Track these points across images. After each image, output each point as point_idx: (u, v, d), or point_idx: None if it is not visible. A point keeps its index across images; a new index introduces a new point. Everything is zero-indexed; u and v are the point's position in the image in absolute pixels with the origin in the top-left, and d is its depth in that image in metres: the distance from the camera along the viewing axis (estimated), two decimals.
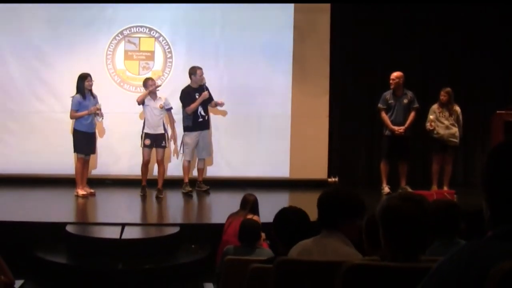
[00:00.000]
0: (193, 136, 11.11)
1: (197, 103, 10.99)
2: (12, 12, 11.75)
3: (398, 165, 11.49)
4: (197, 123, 11.10)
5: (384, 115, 11.25)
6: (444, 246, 4.49)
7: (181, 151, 11.26)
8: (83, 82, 10.53)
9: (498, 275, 1.79)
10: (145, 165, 10.93)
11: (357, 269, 2.98)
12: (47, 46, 11.85)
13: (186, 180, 11.15)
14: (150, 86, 10.81)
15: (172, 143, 11.35)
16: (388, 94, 11.25)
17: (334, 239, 3.96)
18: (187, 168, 11.23)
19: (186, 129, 11.16)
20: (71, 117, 10.60)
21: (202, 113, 11.10)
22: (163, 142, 10.92)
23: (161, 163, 10.99)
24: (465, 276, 1.91)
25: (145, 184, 10.89)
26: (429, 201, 3.21)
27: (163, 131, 10.92)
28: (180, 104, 11.26)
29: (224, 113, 11.97)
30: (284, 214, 4.80)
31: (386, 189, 11.43)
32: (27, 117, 11.83)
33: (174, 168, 11.79)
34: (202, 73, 11.06)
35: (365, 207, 4.18)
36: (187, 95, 11.04)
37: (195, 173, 11.57)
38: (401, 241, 3.06)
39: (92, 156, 11.00)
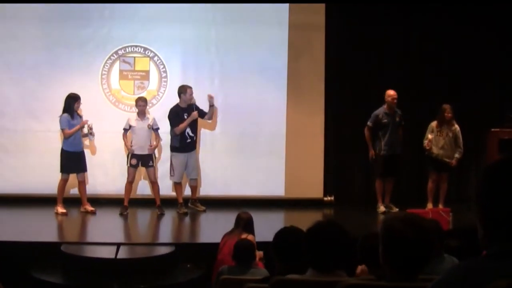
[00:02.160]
0: (180, 157, 11.10)
1: (186, 124, 10.97)
2: (7, 31, 11.76)
3: (385, 183, 11.52)
4: (185, 144, 11.08)
5: (369, 134, 11.31)
6: (432, 261, 4.50)
7: (171, 173, 11.22)
8: (74, 103, 10.59)
9: None
10: (129, 183, 11.00)
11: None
12: (43, 65, 11.83)
13: (180, 200, 11.15)
14: (139, 106, 10.87)
15: (158, 164, 11.41)
16: (380, 114, 11.28)
17: None
18: (179, 189, 11.25)
19: (173, 149, 11.15)
20: (66, 136, 10.62)
21: (190, 133, 11.07)
22: (150, 162, 10.96)
23: (155, 182, 11.04)
24: None
25: (126, 205, 10.92)
26: (427, 222, 3.23)
27: (150, 152, 10.95)
28: None
29: (219, 132, 11.98)
30: (283, 234, 4.78)
31: (381, 208, 11.44)
32: (22, 136, 11.80)
33: (167, 188, 11.75)
34: (192, 92, 11.05)
35: None
36: (175, 115, 11.02)
37: (188, 192, 11.56)
38: (402, 262, 3.07)
39: (86, 175, 11.06)
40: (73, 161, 10.72)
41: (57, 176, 11.36)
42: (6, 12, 11.74)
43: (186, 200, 11.33)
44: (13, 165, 11.75)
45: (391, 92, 11.25)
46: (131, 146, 10.89)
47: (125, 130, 10.97)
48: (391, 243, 3.08)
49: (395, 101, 11.24)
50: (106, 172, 11.71)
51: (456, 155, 11.16)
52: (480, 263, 1.99)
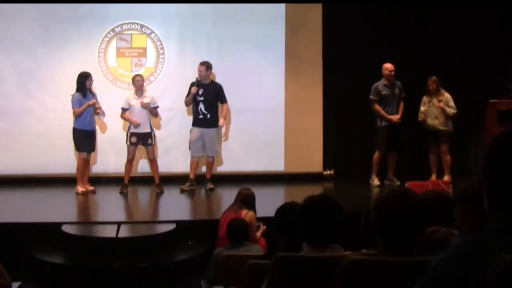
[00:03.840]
0: (194, 131, 11.09)
1: (188, 98, 11.06)
2: (2, 10, 11.67)
3: (388, 156, 11.52)
4: (197, 119, 11.08)
5: (377, 106, 11.28)
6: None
7: (189, 147, 11.20)
8: (85, 81, 10.58)
9: (499, 268, 1.77)
10: (129, 162, 11.00)
11: (356, 264, 2.98)
12: (39, 44, 11.78)
13: (191, 176, 11.14)
14: (137, 82, 10.86)
15: (158, 141, 11.40)
16: (380, 85, 11.29)
17: None
18: (192, 164, 11.20)
19: (192, 123, 11.19)
20: (75, 115, 10.61)
21: (203, 110, 11.02)
22: (149, 140, 10.94)
23: (153, 160, 11.04)
24: (466, 270, 1.89)
25: (126, 183, 10.94)
26: (418, 195, 3.24)
27: (149, 130, 10.95)
28: (174, 100, 11.45)
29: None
30: (285, 210, 4.74)
31: (375, 181, 11.48)
32: (20, 116, 11.76)
33: (169, 165, 11.76)
34: (200, 68, 11.01)
35: None
36: (189, 88, 11.08)
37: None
38: (395, 236, 3.07)
39: (93, 154, 11.20)
40: (84, 139, 10.72)
41: (55, 155, 11.43)
42: None
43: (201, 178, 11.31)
44: (10, 146, 11.71)
45: (387, 65, 11.27)
46: (129, 124, 10.87)
47: (124, 109, 10.93)
48: (382, 217, 3.07)
49: (392, 73, 11.26)
50: (105, 151, 11.66)
51: (451, 111, 11.14)
52: (486, 237, 1.96)
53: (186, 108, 11.52)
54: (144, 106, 10.79)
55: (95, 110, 10.71)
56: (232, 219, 6.78)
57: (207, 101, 11.04)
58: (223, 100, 11.23)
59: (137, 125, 10.81)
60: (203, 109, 11.04)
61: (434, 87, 11.18)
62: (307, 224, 3.83)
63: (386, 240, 3.10)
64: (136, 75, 11.04)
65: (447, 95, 11.20)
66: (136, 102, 10.86)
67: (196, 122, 11.10)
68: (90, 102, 10.62)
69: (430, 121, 11.24)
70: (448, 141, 11.38)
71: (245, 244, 6.30)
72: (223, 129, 11.68)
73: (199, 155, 11.24)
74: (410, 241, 3.10)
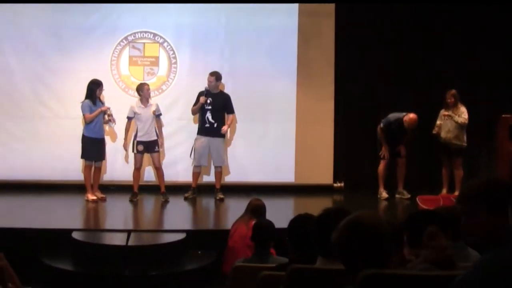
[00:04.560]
0: (200, 140, 11.09)
1: (195, 107, 11.07)
2: (16, 18, 11.73)
3: (397, 169, 11.50)
4: (203, 127, 11.09)
5: (383, 135, 11.30)
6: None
7: (190, 156, 11.22)
8: (96, 89, 10.64)
9: None
10: (137, 170, 11.01)
11: (374, 278, 2.96)
12: (52, 52, 11.82)
13: (193, 185, 11.18)
14: (146, 91, 10.89)
15: (167, 150, 11.49)
16: (394, 124, 11.19)
17: None
18: (195, 174, 11.24)
19: (197, 131, 11.20)
20: (87, 121, 10.61)
21: (210, 119, 11.03)
22: (156, 148, 10.95)
23: (159, 168, 11.05)
24: (492, 287, 1.88)
25: (136, 191, 10.95)
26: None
27: (155, 137, 10.95)
28: (185, 110, 11.45)
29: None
30: (298, 222, 4.73)
31: (383, 194, 11.48)
32: (32, 123, 11.80)
33: (179, 174, 11.78)
34: (210, 79, 11.02)
35: None
36: (197, 97, 11.08)
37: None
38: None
39: (104, 163, 11.22)
40: (93, 147, 10.74)
41: (66, 162, 11.45)
42: None
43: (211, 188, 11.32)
44: (22, 152, 11.74)
45: (413, 119, 11.05)
46: (135, 134, 10.91)
47: (129, 118, 10.95)
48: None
49: (411, 127, 11.19)
50: (115, 159, 11.66)
51: (459, 119, 11.10)
52: (509, 256, 1.95)
53: (192, 117, 11.53)
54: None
55: (106, 118, 10.70)
56: (258, 220, 6.66)
57: (215, 110, 11.05)
58: (230, 110, 11.24)
59: (126, 146, 11.01)
60: (210, 118, 11.04)
61: (452, 100, 11.10)
62: (322, 236, 3.82)
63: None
64: (144, 84, 11.03)
65: (463, 109, 11.12)
66: (142, 111, 10.86)
67: (202, 131, 11.11)
68: (104, 108, 10.64)
69: (443, 134, 11.19)
70: (460, 155, 11.33)
71: (271, 257, 6.05)
72: (228, 135, 11.60)
73: (202, 165, 11.28)
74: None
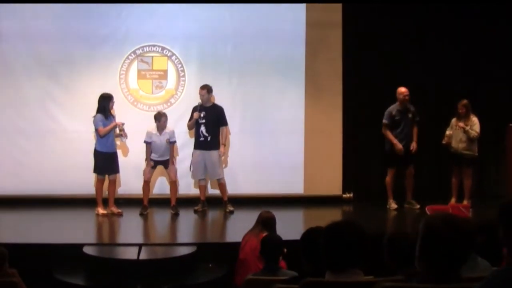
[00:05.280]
0: (196, 154, 11.22)
1: (190, 122, 11.21)
2: (25, 31, 11.81)
3: (405, 179, 11.53)
4: (198, 141, 11.19)
5: (387, 131, 11.32)
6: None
7: (190, 169, 11.32)
8: (108, 103, 10.70)
9: None
10: (146, 183, 11.10)
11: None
12: (60, 66, 11.87)
13: (202, 198, 11.27)
14: (163, 123, 10.99)
15: (177, 163, 11.49)
16: (394, 110, 11.33)
17: None
18: (200, 187, 11.38)
19: (194, 146, 11.30)
20: (101, 135, 10.65)
21: (204, 133, 11.12)
22: (170, 164, 11.12)
23: (175, 181, 11.18)
24: None
25: (146, 204, 11.04)
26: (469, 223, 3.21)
27: (168, 157, 11.11)
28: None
29: (237, 130, 11.96)
30: (311, 234, 4.75)
31: (393, 204, 11.50)
32: (41, 136, 11.86)
33: (188, 187, 11.84)
34: (201, 93, 11.16)
35: None
36: (191, 112, 11.22)
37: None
38: (439, 261, 3.06)
39: (118, 176, 11.26)
40: (106, 162, 10.80)
41: (76, 176, 11.49)
42: (25, 12, 11.77)
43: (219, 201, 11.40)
44: (33, 167, 11.80)
45: (402, 89, 11.28)
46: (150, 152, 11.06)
47: (147, 142, 11.06)
48: (430, 241, 3.07)
49: (407, 97, 11.26)
50: (124, 172, 11.65)
51: (473, 133, 11.08)
52: None
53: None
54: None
55: (117, 131, 10.74)
56: (266, 235, 6.70)
57: (208, 124, 11.14)
58: (224, 122, 11.29)
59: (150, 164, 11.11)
60: (204, 131, 11.12)
61: (463, 111, 11.09)
62: (329, 249, 3.84)
63: (430, 266, 3.10)
64: (163, 115, 11.06)
65: (474, 119, 11.12)
66: (157, 138, 10.99)
67: (198, 145, 11.20)
68: (119, 123, 10.69)
69: (454, 144, 11.19)
70: (471, 165, 11.31)
71: (280, 270, 6.06)
72: (223, 149, 11.49)
73: (201, 178, 11.34)
74: (455, 268, 3.09)
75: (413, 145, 11.33)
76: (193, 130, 11.33)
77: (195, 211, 11.12)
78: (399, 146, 11.26)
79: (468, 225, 3.12)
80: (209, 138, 11.14)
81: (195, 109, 11.16)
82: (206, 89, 11.14)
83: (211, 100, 11.33)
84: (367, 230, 3.91)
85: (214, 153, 11.22)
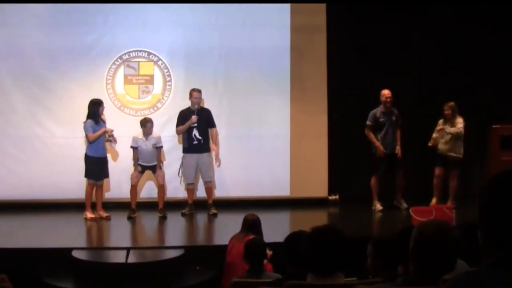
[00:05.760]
0: (188, 158, 11.27)
1: (184, 127, 11.18)
2: (10, 38, 11.86)
3: (395, 179, 11.64)
4: (192, 145, 11.23)
5: (370, 133, 11.46)
6: None
7: (179, 174, 11.37)
8: (98, 108, 10.75)
9: None
10: (134, 187, 11.15)
11: None
12: (47, 72, 11.92)
13: (189, 201, 11.33)
14: (149, 129, 11.02)
15: (165, 167, 11.53)
16: (378, 112, 11.45)
17: None
18: (189, 190, 11.41)
19: (183, 150, 11.35)
20: (91, 140, 10.71)
21: (198, 136, 11.19)
22: (157, 168, 11.19)
23: (162, 185, 11.25)
24: None
25: (134, 208, 11.10)
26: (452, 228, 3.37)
27: (155, 163, 11.18)
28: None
29: (224, 135, 12.05)
30: (294, 238, 4.84)
31: (378, 206, 11.58)
32: (28, 142, 11.89)
33: (175, 190, 11.89)
34: (197, 96, 11.22)
35: None
36: (180, 116, 11.25)
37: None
38: (429, 264, 3.21)
39: (107, 180, 11.38)
40: (97, 166, 10.86)
41: (64, 181, 11.54)
42: (11, 19, 11.84)
43: (203, 204, 11.46)
44: (20, 172, 11.84)
45: (385, 92, 11.42)
46: (137, 157, 11.13)
47: (133, 148, 11.13)
48: (422, 246, 3.21)
49: (389, 99, 11.40)
50: (112, 176, 11.69)
51: (451, 129, 11.20)
52: (485, 272, 2.03)
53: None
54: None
55: (107, 137, 10.82)
56: (249, 239, 6.78)
57: (201, 126, 11.22)
58: (213, 124, 11.40)
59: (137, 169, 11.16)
60: (197, 135, 11.20)
61: (449, 112, 11.17)
62: (312, 254, 3.96)
63: (419, 266, 3.24)
64: (148, 121, 11.10)
65: (460, 120, 11.20)
66: (143, 143, 11.05)
67: (191, 149, 11.24)
68: (108, 129, 10.76)
69: (441, 146, 11.28)
70: (457, 167, 11.39)
71: (264, 272, 6.11)
72: (214, 152, 11.65)
73: (193, 182, 11.41)
74: (443, 272, 3.23)
75: (398, 149, 11.47)
76: (181, 135, 11.39)
77: (183, 214, 11.19)
78: (381, 149, 11.40)
79: (456, 233, 3.27)
80: (202, 141, 11.23)
81: (185, 113, 11.21)
82: (200, 92, 11.24)
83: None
84: (352, 232, 4.03)
85: (207, 156, 11.35)
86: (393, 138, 11.52)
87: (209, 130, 11.37)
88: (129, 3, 12.03)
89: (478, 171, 12.56)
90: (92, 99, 10.90)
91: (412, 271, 3.29)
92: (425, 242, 3.21)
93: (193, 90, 11.26)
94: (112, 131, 10.79)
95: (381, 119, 11.42)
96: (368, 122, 11.47)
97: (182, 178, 11.40)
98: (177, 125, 11.27)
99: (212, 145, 11.34)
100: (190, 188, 11.42)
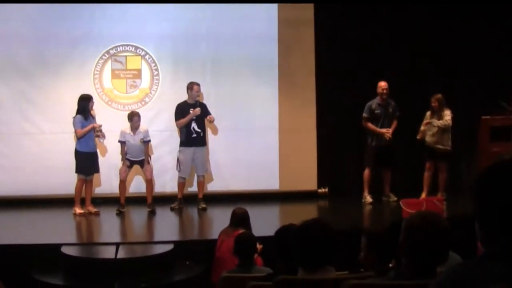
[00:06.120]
0: (186, 152, 11.19)
1: (187, 119, 11.07)
2: None
3: (383, 173, 11.65)
4: (190, 138, 11.17)
5: (369, 124, 11.41)
6: None
7: (177, 169, 11.31)
8: (87, 104, 10.69)
9: None
10: (122, 182, 11.13)
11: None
12: (35, 67, 11.87)
13: (179, 196, 11.28)
14: (136, 122, 10.95)
15: (152, 161, 11.46)
16: (373, 104, 11.44)
17: None
18: (180, 184, 11.34)
19: (180, 144, 11.28)
20: (79, 136, 10.66)
21: (196, 129, 11.15)
22: (145, 163, 11.14)
23: (150, 180, 11.20)
24: None
25: (123, 203, 11.06)
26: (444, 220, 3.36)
27: (143, 157, 11.13)
28: (169, 121, 11.50)
29: (212, 128, 12.04)
30: (284, 232, 4.83)
31: (368, 198, 11.57)
32: (16, 138, 11.84)
33: (164, 185, 11.89)
34: (198, 89, 11.17)
35: None
36: (179, 110, 11.15)
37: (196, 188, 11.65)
38: (420, 257, 3.20)
39: (98, 175, 11.41)
40: (87, 161, 10.82)
41: (53, 177, 11.50)
42: None
43: (193, 198, 11.42)
44: (8, 168, 11.79)
45: (381, 83, 11.41)
46: (125, 152, 11.06)
47: (121, 142, 11.07)
48: (411, 238, 3.20)
49: (385, 91, 11.38)
50: (101, 171, 11.61)
51: (438, 122, 11.20)
52: (477, 265, 2.01)
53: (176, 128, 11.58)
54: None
55: (96, 132, 10.77)
56: (239, 233, 6.76)
57: (199, 119, 11.19)
58: (209, 112, 11.30)
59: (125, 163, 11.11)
60: (196, 127, 11.16)
61: (436, 104, 11.15)
62: (301, 249, 3.95)
63: (411, 262, 3.23)
64: (135, 114, 11.03)
65: (447, 112, 11.19)
66: (131, 138, 10.99)
67: (189, 142, 11.18)
68: (96, 125, 10.69)
69: (428, 138, 11.27)
70: (445, 159, 11.38)
71: (254, 266, 6.10)
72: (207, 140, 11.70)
73: (188, 177, 11.41)
74: (435, 264, 3.22)
75: (389, 131, 11.41)
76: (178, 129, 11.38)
77: (172, 209, 11.16)
78: (383, 130, 11.39)
79: (445, 223, 3.26)
80: (201, 134, 11.23)
81: (183, 106, 11.14)
82: (199, 85, 11.22)
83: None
84: (343, 225, 4.03)
85: (204, 149, 11.37)
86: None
87: (207, 118, 11.28)
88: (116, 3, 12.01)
89: (468, 163, 12.57)
90: (81, 94, 10.84)
91: (404, 264, 3.28)
92: (414, 233, 3.20)
93: (193, 83, 11.20)
94: (100, 126, 10.74)
95: (376, 111, 11.41)
96: (364, 114, 11.47)
97: (180, 172, 11.31)
98: (177, 119, 11.19)
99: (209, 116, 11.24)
100: (182, 182, 11.36)
